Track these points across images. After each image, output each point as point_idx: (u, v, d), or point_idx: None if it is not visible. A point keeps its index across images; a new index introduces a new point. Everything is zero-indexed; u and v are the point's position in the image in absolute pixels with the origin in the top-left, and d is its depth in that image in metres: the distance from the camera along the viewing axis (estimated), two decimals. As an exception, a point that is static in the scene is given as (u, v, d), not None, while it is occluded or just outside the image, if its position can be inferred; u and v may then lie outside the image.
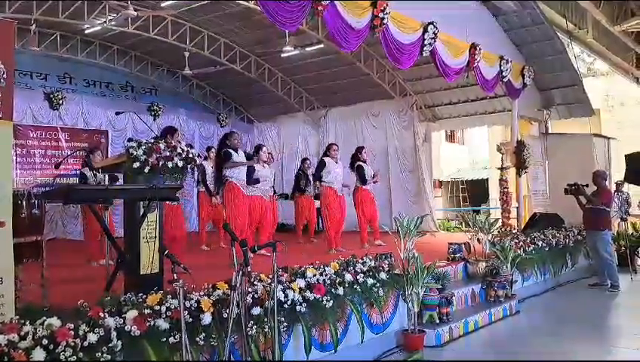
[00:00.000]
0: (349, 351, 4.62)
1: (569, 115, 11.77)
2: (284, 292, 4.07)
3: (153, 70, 12.62)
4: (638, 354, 5.17)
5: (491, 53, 9.11)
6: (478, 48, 8.51)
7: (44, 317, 2.93)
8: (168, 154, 4.28)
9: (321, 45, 10.40)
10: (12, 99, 3.32)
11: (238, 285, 3.45)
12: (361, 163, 8.56)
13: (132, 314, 3.23)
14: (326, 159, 8.22)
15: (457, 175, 21.14)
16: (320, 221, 12.17)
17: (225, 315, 3.53)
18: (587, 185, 8.44)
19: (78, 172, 7.61)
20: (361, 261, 5.17)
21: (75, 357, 2.83)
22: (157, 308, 3.38)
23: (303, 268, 4.58)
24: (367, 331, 4.80)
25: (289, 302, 4.08)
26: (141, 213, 4.16)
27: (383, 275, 5.14)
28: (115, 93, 12.38)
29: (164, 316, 3.36)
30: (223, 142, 6.95)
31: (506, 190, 10.39)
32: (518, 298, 6.92)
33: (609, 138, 12.31)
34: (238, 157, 6.82)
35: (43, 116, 10.74)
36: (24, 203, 3.76)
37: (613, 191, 9.35)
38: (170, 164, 4.27)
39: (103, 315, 3.11)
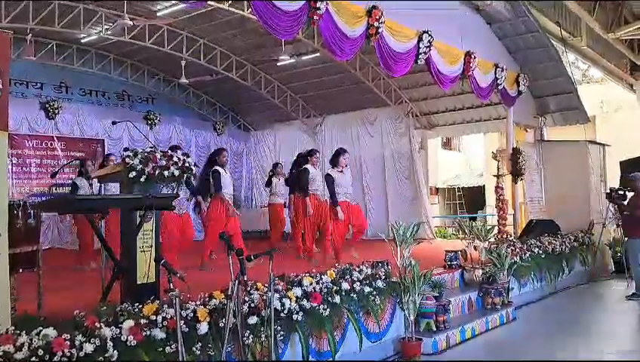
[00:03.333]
0: (347, 359, 4.61)
1: (564, 122, 11.79)
2: (280, 301, 4.07)
3: (149, 79, 12.63)
4: (633, 357, 5.19)
5: (486, 61, 9.14)
6: (473, 56, 8.54)
7: (40, 328, 2.92)
8: (164, 163, 4.29)
9: (317, 54, 10.44)
10: (7, 109, 3.31)
11: (234, 294, 3.45)
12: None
13: (128, 323, 3.23)
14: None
15: (454, 182, 21.15)
16: None
17: (221, 324, 3.53)
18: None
19: (71, 181, 7.65)
20: (357, 269, 5.17)
21: (71, 367, 2.82)
22: (153, 317, 3.38)
23: (299, 277, 4.58)
24: (364, 339, 4.80)
25: (286, 311, 4.08)
26: (137, 223, 4.16)
27: (379, 283, 5.14)
28: (111, 101, 12.37)
29: (161, 326, 3.36)
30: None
31: (502, 197, 10.39)
32: (514, 305, 6.92)
33: (604, 145, 12.33)
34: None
35: (39, 125, 10.72)
36: (20, 213, 3.76)
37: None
38: (166, 173, 4.28)
39: (99, 325, 3.11)
